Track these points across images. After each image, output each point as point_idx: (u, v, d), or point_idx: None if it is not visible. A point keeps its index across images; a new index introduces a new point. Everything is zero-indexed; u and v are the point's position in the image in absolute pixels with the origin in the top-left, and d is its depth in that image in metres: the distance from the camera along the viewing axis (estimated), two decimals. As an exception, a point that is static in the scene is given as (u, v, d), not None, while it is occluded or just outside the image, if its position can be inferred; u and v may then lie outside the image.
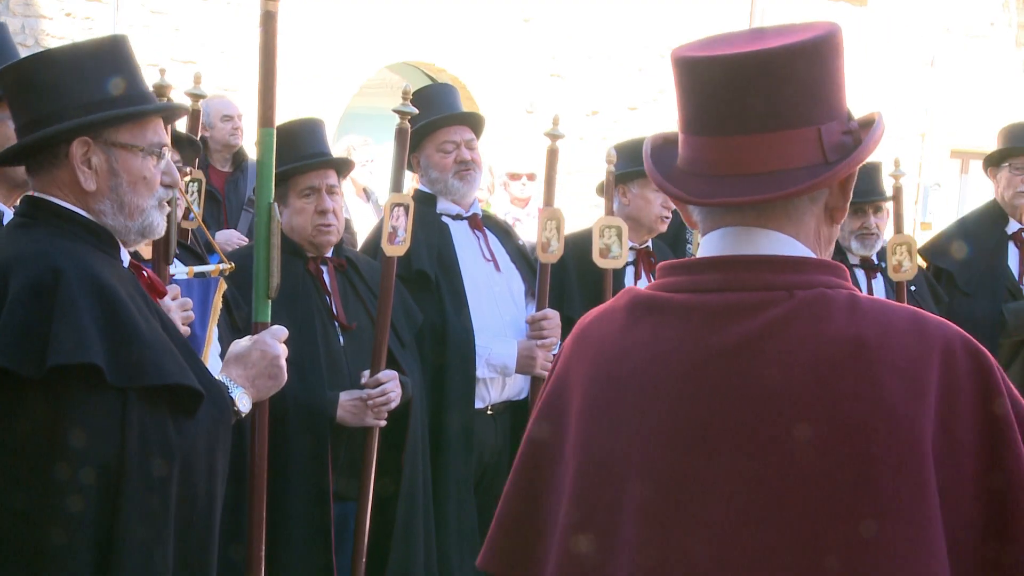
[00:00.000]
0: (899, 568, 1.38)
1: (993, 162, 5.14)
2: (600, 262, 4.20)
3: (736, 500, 1.45)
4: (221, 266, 3.22)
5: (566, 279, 4.26)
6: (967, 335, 1.48)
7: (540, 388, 1.83)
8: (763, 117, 1.50)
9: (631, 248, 4.45)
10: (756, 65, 1.50)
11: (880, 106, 1.77)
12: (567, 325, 4.10)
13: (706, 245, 1.60)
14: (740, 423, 1.46)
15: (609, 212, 4.30)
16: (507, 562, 1.69)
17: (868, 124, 1.57)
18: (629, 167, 4.43)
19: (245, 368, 2.47)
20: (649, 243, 4.55)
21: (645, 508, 1.50)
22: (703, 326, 1.52)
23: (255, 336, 2.54)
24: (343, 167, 3.79)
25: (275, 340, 2.53)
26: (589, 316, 1.70)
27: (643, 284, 4.44)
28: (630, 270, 4.48)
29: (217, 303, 3.14)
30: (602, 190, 4.43)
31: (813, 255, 1.56)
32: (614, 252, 4.22)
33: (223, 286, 3.20)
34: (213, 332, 3.13)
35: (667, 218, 4.47)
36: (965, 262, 5.02)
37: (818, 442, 1.42)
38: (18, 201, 2.88)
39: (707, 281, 1.55)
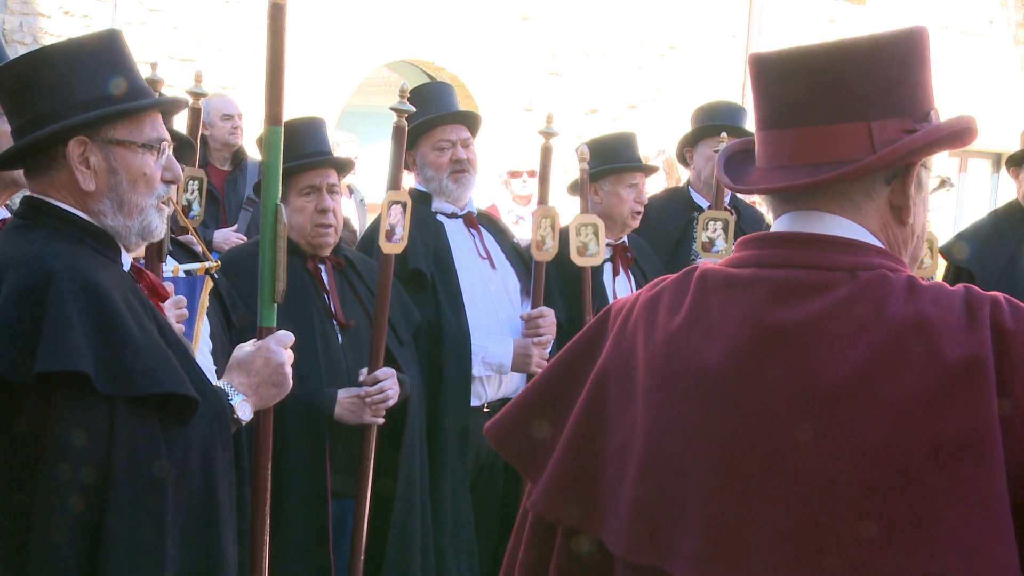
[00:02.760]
0: (962, 554, 1.39)
1: (1016, 162, 5.13)
2: (578, 260, 4.21)
3: (795, 478, 1.47)
4: (207, 264, 3.21)
5: (547, 280, 4.24)
6: (1009, 296, 1.51)
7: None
8: (814, 111, 1.55)
9: (608, 245, 4.46)
10: (808, 60, 1.55)
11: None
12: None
13: (774, 228, 1.64)
14: (801, 401, 1.48)
15: (584, 210, 4.31)
16: (565, 509, 1.69)
17: None
18: (598, 165, 4.45)
19: (248, 375, 2.41)
20: (625, 239, 4.57)
21: (707, 481, 1.52)
22: (766, 302, 1.55)
23: (260, 342, 2.47)
24: (344, 167, 3.80)
25: (281, 347, 2.46)
26: (661, 282, 1.72)
27: (621, 280, 4.50)
28: (608, 266, 4.49)
29: (204, 301, 3.13)
30: (575, 189, 4.43)
31: (878, 243, 1.59)
32: (591, 250, 4.22)
33: (209, 284, 3.19)
34: (201, 330, 3.12)
35: (639, 213, 4.50)
36: (985, 260, 5.02)
37: (881, 423, 1.43)
38: (8, 200, 2.87)
39: (773, 256, 1.59)
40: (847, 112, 1.54)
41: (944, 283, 1.56)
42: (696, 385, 1.57)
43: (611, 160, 4.50)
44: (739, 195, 4.83)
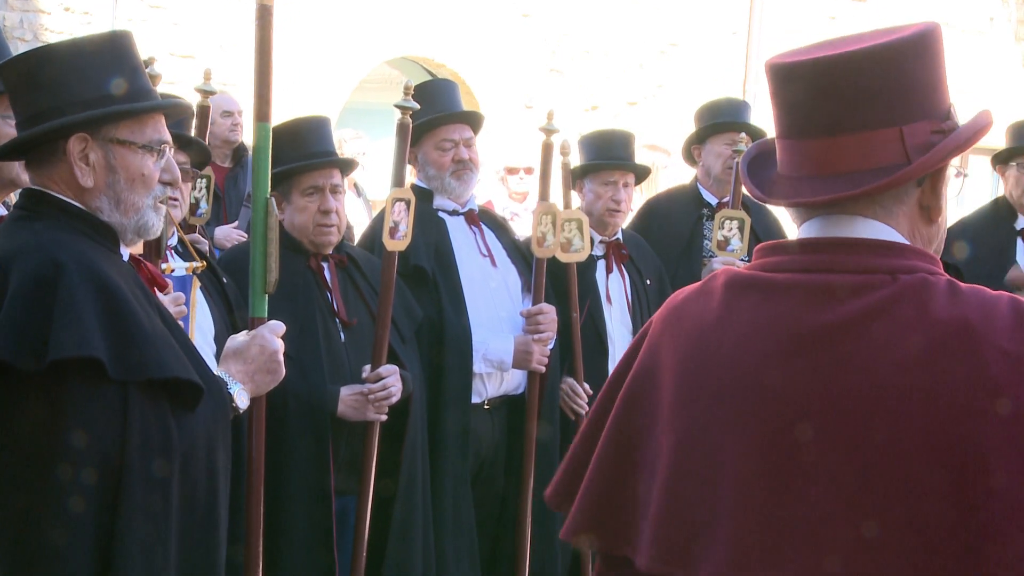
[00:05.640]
0: (1010, 550, 1.39)
1: (1001, 160, 5.13)
2: (562, 256, 4.19)
3: (836, 480, 1.45)
4: (194, 264, 3.21)
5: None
6: None
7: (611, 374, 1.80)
8: (842, 119, 1.53)
9: (600, 242, 4.45)
10: (834, 69, 1.53)
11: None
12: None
13: (803, 233, 1.62)
14: (842, 403, 1.47)
15: (567, 206, 4.30)
16: (591, 533, 1.69)
17: None
18: (584, 162, 4.44)
19: (244, 363, 2.44)
20: (619, 235, 4.54)
21: (741, 484, 1.51)
22: (804, 305, 1.53)
23: (253, 331, 2.51)
24: (347, 167, 3.80)
25: (273, 335, 2.49)
26: (682, 293, 1.70)
27: (614, 277, 4.48)
28: (601, 264, 4.48)
29: (193, 300, 3.14)
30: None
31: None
32: (576, 246, 4.21)
33: (197, 283, 3.20)
34: (195, 330, 3.12)
35: (616, 212, 4.45)
36: (973, 258, 5.01)
37: (924, 424, 1.42)
38: (5, 199, 2.88)
39: (808, 261, 1.57)
40: (877, 119, 1.52)
41: (984, 288, 1.54)
42: (729, 390, 1.55)
43: (596, 157, 4.49)
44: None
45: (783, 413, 1.50)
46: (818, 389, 1.48)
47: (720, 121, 4.93)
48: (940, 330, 1.45)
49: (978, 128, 1.56)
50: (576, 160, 4.50)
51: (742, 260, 4.39)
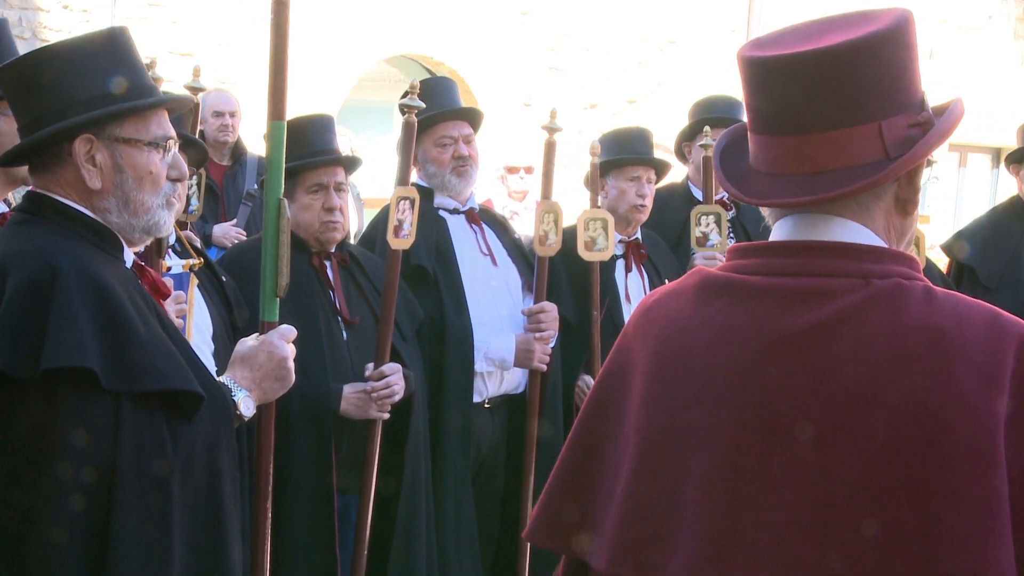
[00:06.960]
0: (966, 556, 1.38)
1: (1015, 159, 5.13)
2: (586, 255, 4.19)
3: (802, 484, 1.44)
4: (191, 261, 3.20)
5: (556, 276, 4.24)
6: None
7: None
8: (821, 116, 1.50)
9: (620, 241, 4.44)
10: (811, 65, 1.50)
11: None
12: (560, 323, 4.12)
13: (777, 232, 1.60)
14: (810, 407, 1.46)
15: (594, 205, 4.29)
16: (555, 534, 1.67)
17: (943, 113, 1.56)
18: (604, 158, 4.43)
19: (251, 370, 2.38)
20: (638, 234, 4.54)
21: (708, 488, 1.50)
22: (777, 309, 1.51)
23: (262, 336, 2.45)
24: (351, 165, 3.79)
25: (283, 341, 2.43)
26: (656, 294, 1.68)
27: (633, 277, 4.48)
28: (620, 263, 4.47)
29: (191, 298, 3.12)
30: (588, 183, 4.41)
31: (885, 245, 1.56)
32: (600, 244, 4.21)
33: (194, 281, 3.18)
34: (192, 328, 3.10)
35: (643, 207, 4.45)
36: (987, 257, 5.01)
37: (890, 430, 1.41)
38: (10, 194, 2.86)
39: (782, 265, 1.55)
40: (856, 115, 1.49)
41: (964, 296, 1.53)
42: (700, 391, 1.54)
43: (617, 154, 4.49)
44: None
45: (750, 418, 1.49)
46: (787, 395, 1.47)
47: (709, 117, 4.92)
48: (911, 337, 1.44)
49: (955, 120, 1.54)
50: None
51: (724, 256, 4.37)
